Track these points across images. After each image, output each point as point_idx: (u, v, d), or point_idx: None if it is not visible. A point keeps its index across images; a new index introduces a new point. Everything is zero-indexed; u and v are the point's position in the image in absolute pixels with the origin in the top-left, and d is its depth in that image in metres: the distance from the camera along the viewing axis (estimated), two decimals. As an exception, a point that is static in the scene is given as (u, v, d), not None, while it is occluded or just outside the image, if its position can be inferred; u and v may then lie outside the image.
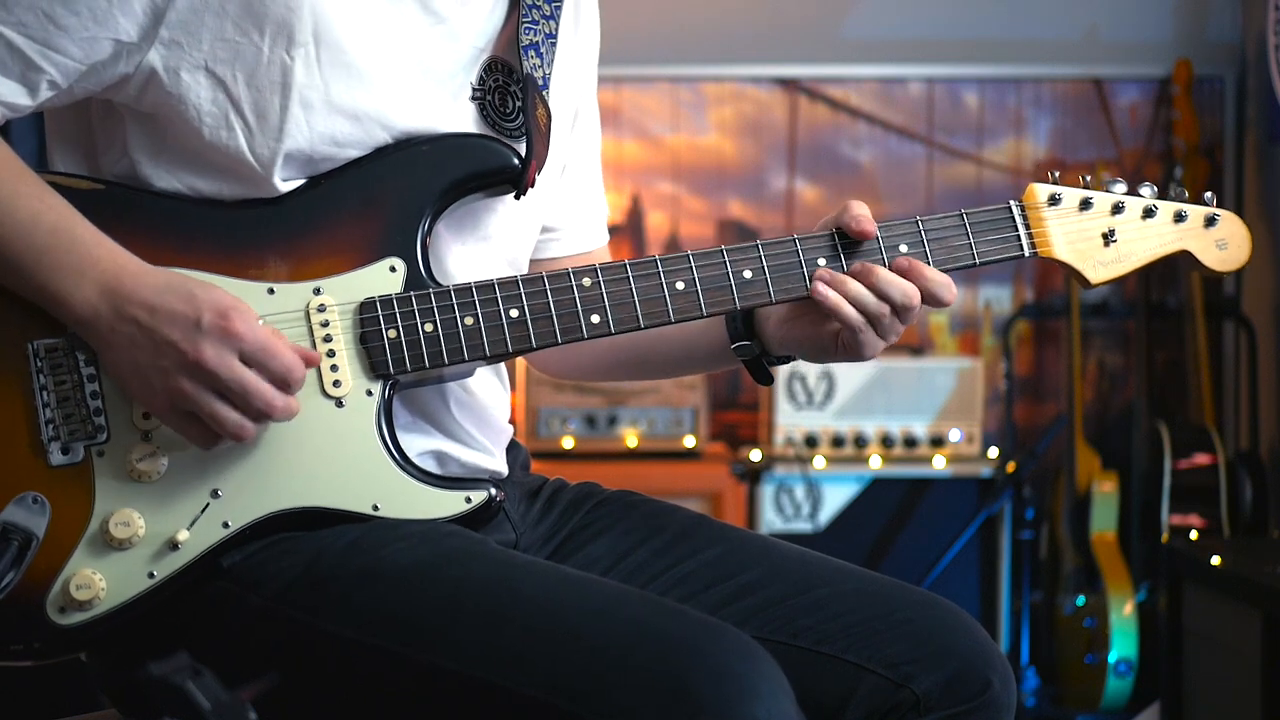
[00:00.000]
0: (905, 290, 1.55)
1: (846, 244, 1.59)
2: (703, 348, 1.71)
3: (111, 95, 1.50)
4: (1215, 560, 3.17)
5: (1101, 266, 1.63)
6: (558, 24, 1.65)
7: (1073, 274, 1.64)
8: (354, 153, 1.52)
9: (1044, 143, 4.49)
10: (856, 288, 1.55)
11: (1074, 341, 4.25)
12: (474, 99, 1.59)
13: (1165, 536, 3.97)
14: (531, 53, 1.60)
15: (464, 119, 1.58)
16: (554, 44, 1.64)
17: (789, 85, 4.49)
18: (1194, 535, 3.96)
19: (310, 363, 1.46)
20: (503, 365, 1.70)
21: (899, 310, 1.55)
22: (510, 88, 1.60)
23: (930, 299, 1.56)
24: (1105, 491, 4.11)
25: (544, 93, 1.60)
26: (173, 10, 1.46)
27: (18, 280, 1.45)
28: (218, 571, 1.49)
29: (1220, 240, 1.66)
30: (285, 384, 1.44)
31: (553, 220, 1.78)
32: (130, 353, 1.43)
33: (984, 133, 4.51)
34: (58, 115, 1.58)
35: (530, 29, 1.61)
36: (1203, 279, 4.23)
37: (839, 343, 1.58)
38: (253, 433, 1.44)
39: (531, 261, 1.76)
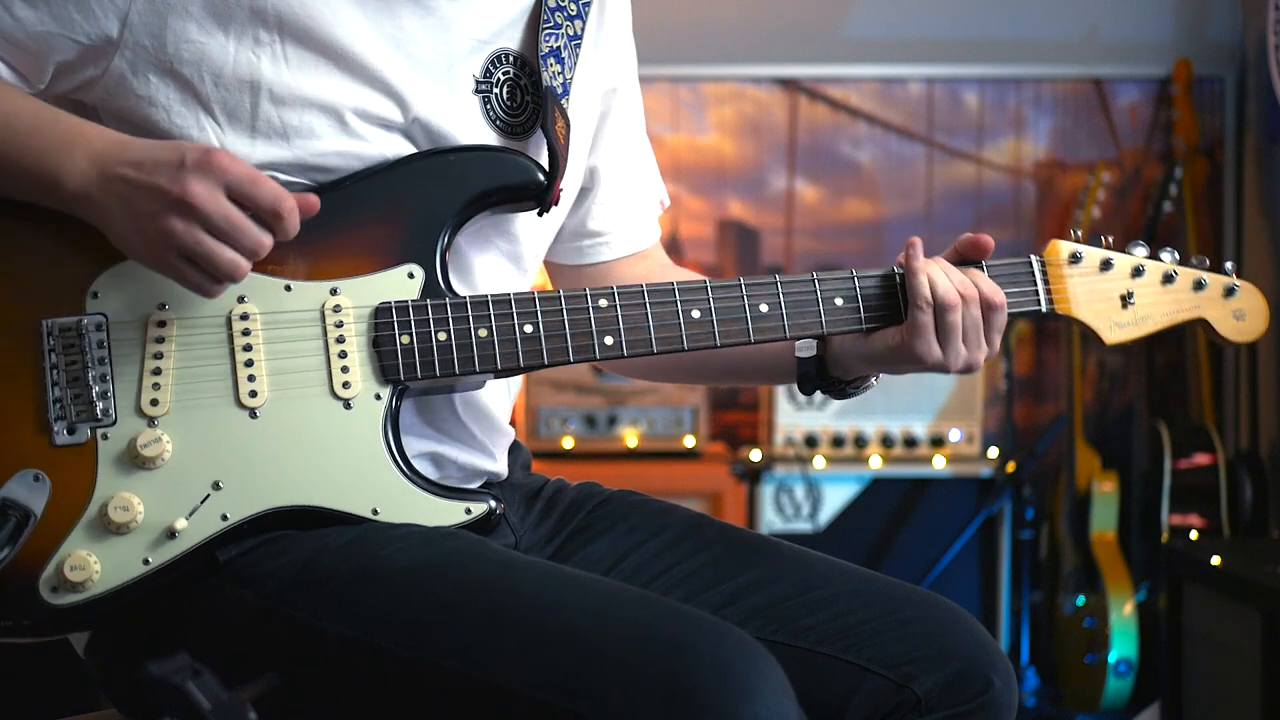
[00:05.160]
0: (963, 279, 1.57)
1: (865, 282, 1.59)
2: (765, 357, 1.70)
3: (84, 96, 1.51)
4: (1215, 560, 3.16)
5: (1118, 328, 1.65)
6: (585, 23, 1.64)
7: (1089, 333, 1.65)
8: (335, 145, 1.51)
9: (1044, 143, 4.49)
10: (932, 266, 1.57)
11: (1074, 341, 4.25)
12: (477, 92, 1.58)
13: (1165, 536, 3.97)
14: (552, 60, 1.60)
15: (464, 112, 1.57)
16: (579, 45, 1.63)
17: (789, 85, 4.49)
18: (1194, 535, 3.96)
19: (307, 208, 1.44)
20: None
21: (966, 300, 1.56)
22: (521, 81, 1.59)
23: (985, 299, 1.58)
24: (1105, 491, 4.11)
25: (564, 100, 1.60)
26: (134, 13, 1.46)
27: (12, 169, 1.44)
28: (214, 565, 1.49)
29: (1238, 311, 1.67)
30: (276, 216, 1.41)
31: (598, 225, 1.77)
32: (123, 210, 1.41)
33: (984, 133, 4.50)
34: None
35: (552, 34, 1.60)
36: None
37: (895, 345, 1.59)
38: (246, 270, 1.42)
39: (583, 268, 1.77)
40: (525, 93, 1.60)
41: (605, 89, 1.73)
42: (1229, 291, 1.67)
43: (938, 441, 4.09)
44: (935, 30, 4.49)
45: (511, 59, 1.59)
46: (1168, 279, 1.65)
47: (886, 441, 4.09)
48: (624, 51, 1.76)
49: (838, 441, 4.08)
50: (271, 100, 1.49)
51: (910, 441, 4.08)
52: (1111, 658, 3.96)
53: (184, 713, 1.05)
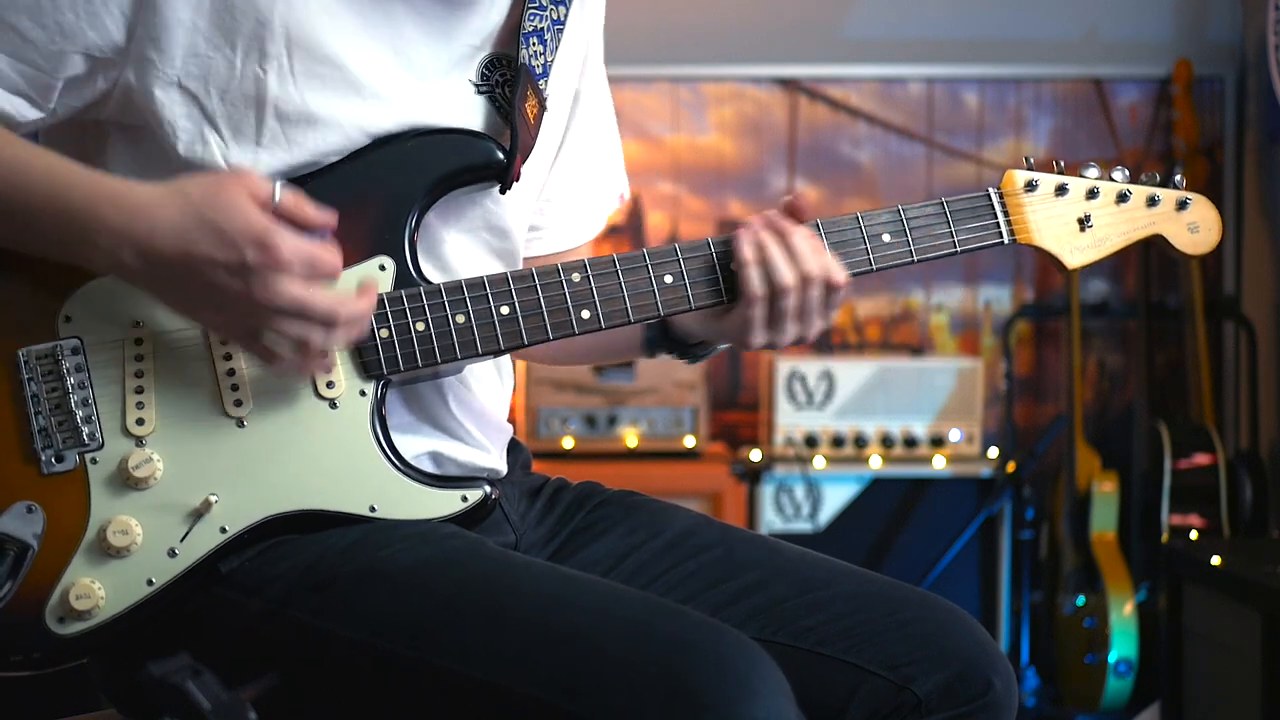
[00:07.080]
0: (806, 255, 1.56)
1: (828, 232, 1.60)
2: (632, 331, 1.69)
3: (96, 114, 1.49)
4: (1215, 560, 3.16)
5: (1078, 252, 1.66)
6: (568, 9, 1.64)
7: (1051, 260, 1.66)
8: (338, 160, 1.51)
9: (1044, 143, 4.49)
10: (772, 249, 1.57)
11: (1074, 341, 4.25)
12: (481, 93, 1.58)
13: (1165, 536, 3.97)
14: (534, 39, 1.59)
15: (473, 115, 1.57)
16: (561, 29, 1.63)
17: (789, 85, 4.48)
18: (1194, 535, 3.96)
19: (327, 225, 1.44)
20: (505, 360, 1.69)
21: (807, 283, 1.55)
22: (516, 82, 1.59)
23: (829, 279, 1.56)
24: (1105, 491, 4.11)
25: (541, 81, 1.59)
26: (141, 26, 1.44)
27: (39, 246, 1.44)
28: (216, 577, 1.48)
29: (1192, 224, 1.68)
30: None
31: (536, 219, 1.76)
32: (185, 297, 1.41)
33: (984, 133, 4.50)
34: (52, 137, 1.57)
35: (536, 15, 1.59)
36: (1203, 279, 4.23)
37: (728, 319, 1.59)
38: (319, 341, 1.42)
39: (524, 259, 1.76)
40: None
41: (575, 87, 1.73)
42: (1181, 205, 1.68)
43: (938, 441, 4.09)
44: (935, 30, 4.49)
45: (505, 62, 1.59)
46: (1122, 198, 1.67)
47: (886, 441, 4.09)
48: (594, 48, 1.76)
49: (838, 441, 4.07)
50: (277, 116, 1.48)
51: (910, 441, 4.08)
52: (1111, 658, 3.96)
53: (184, 713, 1.05)
